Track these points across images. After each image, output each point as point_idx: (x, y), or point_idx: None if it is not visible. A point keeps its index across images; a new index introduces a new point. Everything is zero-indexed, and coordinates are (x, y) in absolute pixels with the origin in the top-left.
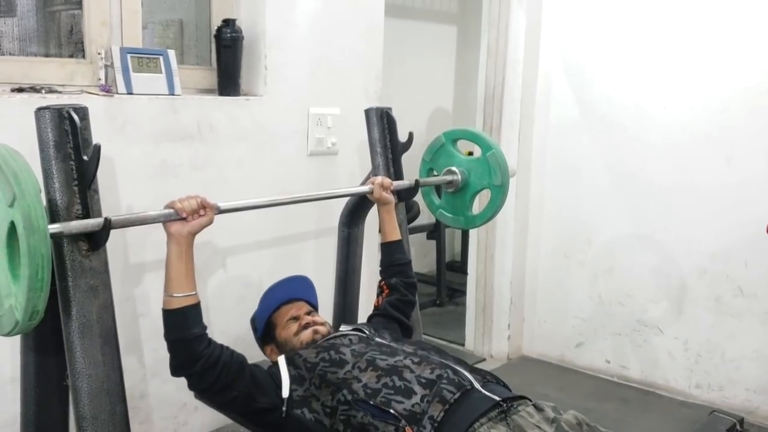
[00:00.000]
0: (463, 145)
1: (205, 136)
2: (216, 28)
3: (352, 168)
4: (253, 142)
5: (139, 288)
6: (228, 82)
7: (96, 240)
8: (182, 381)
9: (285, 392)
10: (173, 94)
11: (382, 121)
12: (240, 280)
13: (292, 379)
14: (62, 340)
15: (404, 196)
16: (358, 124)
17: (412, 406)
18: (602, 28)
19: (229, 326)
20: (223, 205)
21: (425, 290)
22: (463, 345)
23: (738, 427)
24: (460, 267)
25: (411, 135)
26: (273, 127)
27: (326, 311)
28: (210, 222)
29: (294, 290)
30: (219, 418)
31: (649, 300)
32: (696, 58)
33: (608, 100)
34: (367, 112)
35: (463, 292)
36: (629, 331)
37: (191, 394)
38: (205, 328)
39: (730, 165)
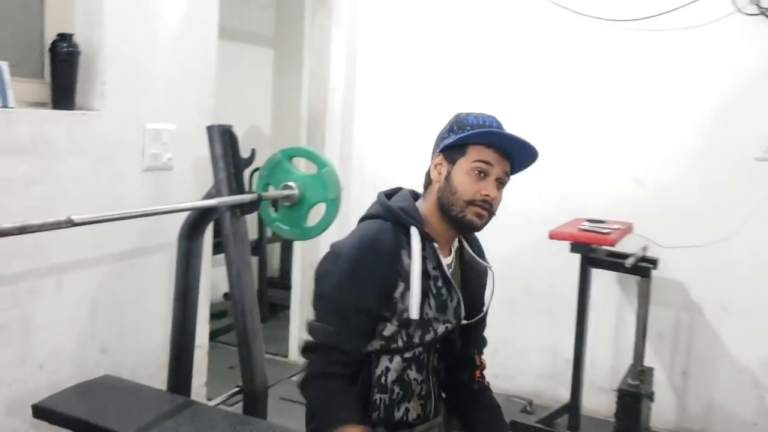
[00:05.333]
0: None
1: (40, 151)
2: (51, 42)
3: (187, 183)
4: (89, 157)
5: None
6: (63, 96)
7: None
8: None
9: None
10: (6, 107)
11: (224, 138)
12: (73, 299)
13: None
14: None
15: (247, 209)
16: (194, 140)
17: None
18: (413, 54)
19: (62, 346)
20: (77, 218)
21: None
22: (286, 356)
23: (528, 407)
24: (279, 283)
25: (253, 152)
26: (110, 142)
27: (164, 326)
28: None
29: (514, 147)
30: None
31: None
32: (490, 82)
33: (417, 119)
34: (210, 129)
35: (285, 307)
36: None
37: None
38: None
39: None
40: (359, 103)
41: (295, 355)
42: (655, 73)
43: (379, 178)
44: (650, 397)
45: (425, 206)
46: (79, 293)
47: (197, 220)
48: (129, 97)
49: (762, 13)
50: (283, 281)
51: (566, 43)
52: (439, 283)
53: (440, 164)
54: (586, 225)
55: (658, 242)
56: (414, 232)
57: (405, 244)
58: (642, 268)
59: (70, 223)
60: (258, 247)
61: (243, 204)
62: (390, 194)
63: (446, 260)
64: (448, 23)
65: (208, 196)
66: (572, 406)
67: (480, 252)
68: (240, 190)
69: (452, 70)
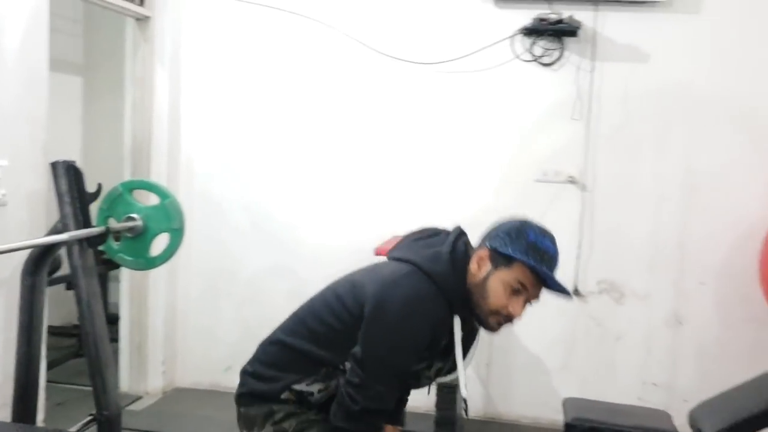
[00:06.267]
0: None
1: None
2: None
3: (22, 218)
4: None
5: None
6: None
7: None
8: None
9: None
10: None
11: (69, 174)
12: None
13: None
14: None
15: (94, 242)
16: (27, 175)
17: None
18: (235, 87)
19: None
20: None
21: (64, 343)
22: (117, 387)
23: None
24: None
25: (99, 186)
26: None
27: (8, 364)
28: None
29: (554, 285)
30: None
31: None
32: (305, 116)
33: (242, 150)
34: (54, 165)
35: (112, 339)
36: None
37: None
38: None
39: (345, 197)
40: (186, 134)
41: (127, 384)
42: (453, 110)
43: (208, 206)
44: None
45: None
46: None
47: (41, 256)
48: None
49: (535, 60)
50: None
51: (375, 81)
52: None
53: (483, 261)
54: None
55: None
56: (457, 320)
57: (449, 322)
58: None
59: None
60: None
61: (90, 237)
62: (454, 241)
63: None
64: (267, 60)
65: (54, 230)
66: None
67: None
68: (87, 223)
69: (270, 105)
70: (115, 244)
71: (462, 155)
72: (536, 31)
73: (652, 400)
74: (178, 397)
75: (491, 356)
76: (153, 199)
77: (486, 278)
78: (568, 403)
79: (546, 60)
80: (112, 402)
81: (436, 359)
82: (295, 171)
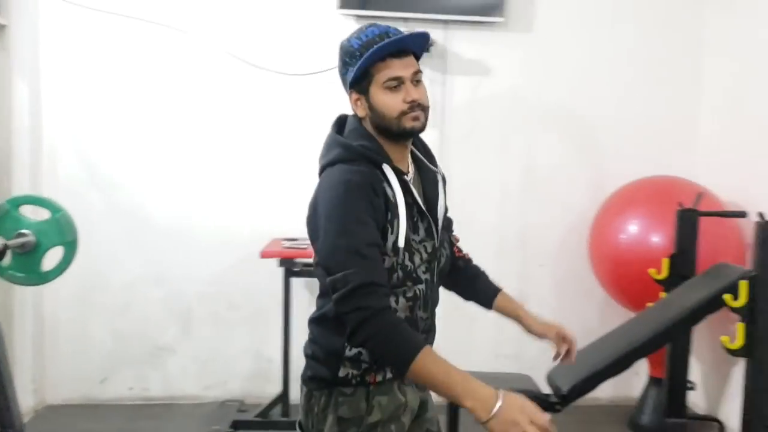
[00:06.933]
0: None
1: None
2: None
3: None
4: None
5: None
6: None
7: None
8: None
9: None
10: None
11: None
12: None
13: None
14: None
15: None
16: None
17: None
18: (99, 95)
19: None
20: None
21: None
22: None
23: (242, 407)
24: None
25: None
26: None
27: None
28: None
29: (404, 43)
30: None
31: (163, 327)
32: (169, 121)
33: (108, 159)
34: None
35: None
36: (148, 358)
37: None
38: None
39: (213, 208)
40: (48, 144)
41: None
42: (320, 118)
43: (75, 216)
44: None
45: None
46: None
47: None
48: None
49: None
50: None
51: (242, 89)
52: (415, 210)
53: (357, 99)
54: (287, 243)
55: None
56: (387, 168)
57: (384, 180)
58: None
59: None
60: None
61: None
62: (338, 126)
63: (409, 174)
64: (130, 69)
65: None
66: (284, 398)
67: (430, 157)
68: None
69: (135, 113)
70: (5, 262)
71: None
72: None
73: (505, 371)
74: (50, 414)
75: None
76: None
77: (370, 105)
78: None
79: None
80: (15, 418)
81: (410, 234)
82: (165, 178)
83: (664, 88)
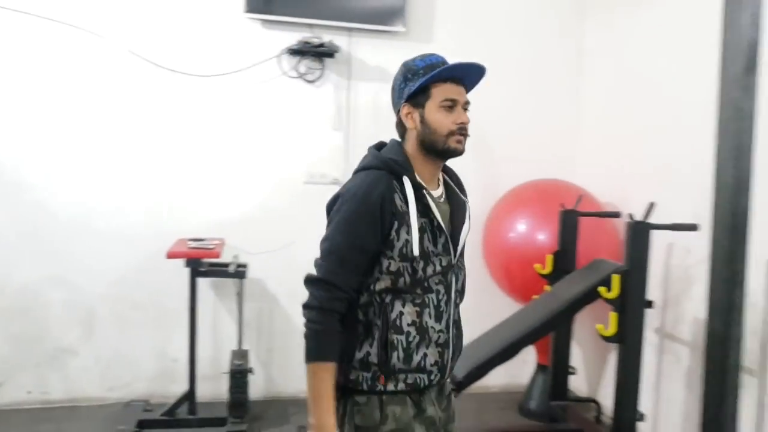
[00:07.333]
0: None
1: None
2: None
3: None
4: None
5: None
6: None
7: None
8: None
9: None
10: None
11: None
12: None
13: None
14: None
15: None
16: None
17: None
18: (1, 97)
19: None
20: None
21: None
22: None
23: (147, 407)
24: None
25: None
26: None
27: None
28: None
29: (467, 71)
30: None
31: (65, 329)
32: (92, 124)
33: (10, 159)
34: None
35: None
36: (49, 360)
37: None
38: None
39: (110, 209)
40: None
41: None
42: (229, 119)
43: None
44: (251, 371)
45: (409, 152)
46: None
47: None
48: None
49: (300, 77)
50: None
51: (154, 91)
52: (434, 224)
53: (410, 113)
54: (193, 243)
55: (247, 250)
56: (406, 180)
57: (398, 190)
58: (240, 272)
59: None
60: None
61: None
62: (378, 147)
63: (436, 192)
64: (27, 66)
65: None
66: (190, 396)
67: (460, 185)
68: None
69: (37, 114)
70: None
71: (238, 160)
72: (301, 51)
73: None
74: None
75: (272, 341)
76: None
77: (422, 120)
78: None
79: (310, 77)
80: None
81: (427, 243)
82: (66, 177)
83: (549, 98)
